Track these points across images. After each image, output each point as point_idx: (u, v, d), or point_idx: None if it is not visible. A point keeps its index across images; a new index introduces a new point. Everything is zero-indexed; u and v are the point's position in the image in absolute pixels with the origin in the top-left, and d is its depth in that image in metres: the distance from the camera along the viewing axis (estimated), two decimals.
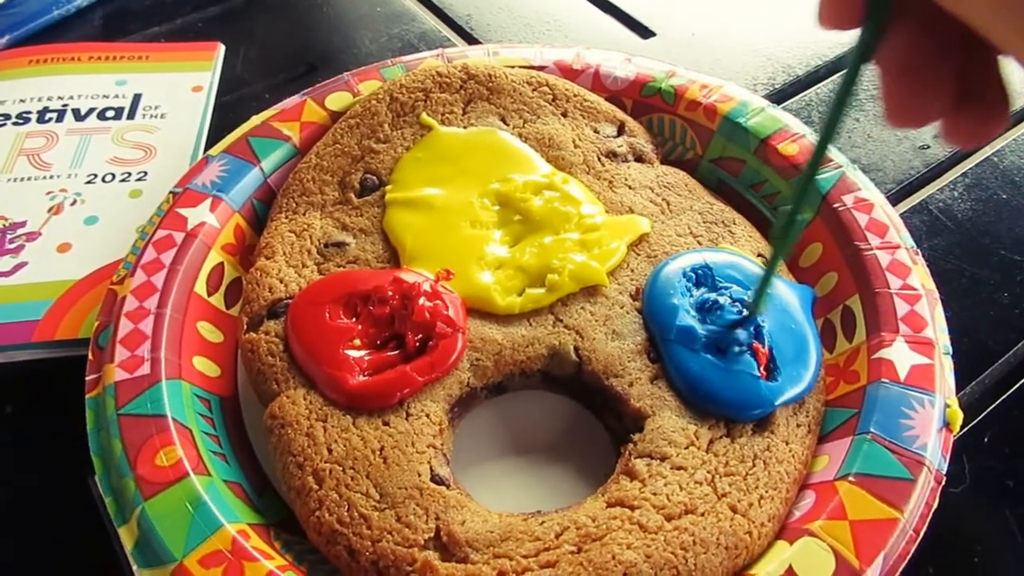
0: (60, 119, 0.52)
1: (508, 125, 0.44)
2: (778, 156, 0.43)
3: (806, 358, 0.35)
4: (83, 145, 0.51)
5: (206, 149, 0.46)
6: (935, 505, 0.31)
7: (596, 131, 0.44)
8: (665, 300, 0.36)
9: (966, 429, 0.38)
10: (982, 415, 0.39)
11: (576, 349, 0.36)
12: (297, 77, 0.58)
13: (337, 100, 0.46)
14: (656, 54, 0.56)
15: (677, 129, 0.46)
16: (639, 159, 0.44)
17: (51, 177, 0.49)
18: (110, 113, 0.53)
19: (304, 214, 0.41)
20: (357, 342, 0.35)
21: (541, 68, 0.48)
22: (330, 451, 0.33)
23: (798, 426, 0.34)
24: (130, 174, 0.49)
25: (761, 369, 0.34)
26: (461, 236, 0.39)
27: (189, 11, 0.64)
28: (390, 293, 0.36)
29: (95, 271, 0.43)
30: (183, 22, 0.63)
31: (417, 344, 0.35)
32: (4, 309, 0.42)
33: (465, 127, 0.44)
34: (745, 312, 0.35)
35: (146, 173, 0.49)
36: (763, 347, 0.34)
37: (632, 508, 0.31)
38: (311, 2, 0.65)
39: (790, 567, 0.29)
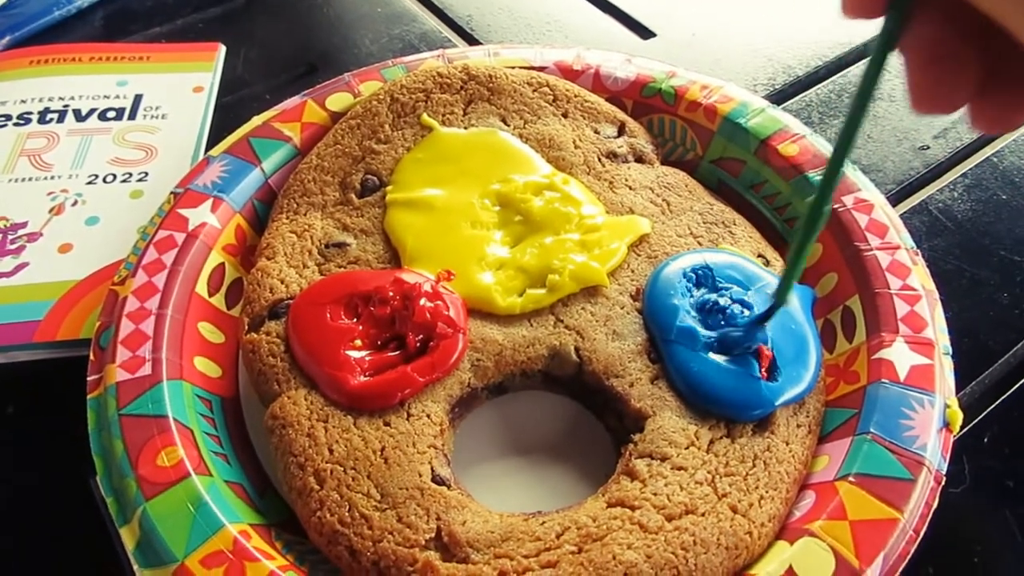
0: (61, 120, 0.53)
1: (509, 126, 0.44)
2: (778, 157, 0.43)
3: (806, 358, 0.35)
4: (84, 146, 0.51)
5: (207, 150, 0.47)
6: (935, 505, 0.31)
7: (596, 132, 0.45)
8: (665, 300, 0.36)
9: (966, 429, 0.38)
10: (982, 415, 0.39)
11: (577, 349, 0.36)
12: (298, 78, 0.58)
13: (338, 101, 0.47)
14: (656, 55, 0.56)
15: (677, 130, 0.46)
16: (639, 160, 0.44)
17: (52, 178, 0.49)
18: (111, 114, 0.53)
19: (305, 215, 0.42)
20: (358, 343, 0.35)
21: (541, 69, 0.48)
22: (331, 451, 0.33)
23: (798, 426, 0.34)
24: (131, 175, 0.49)
25: (762, 370, 0.34)
26: (462, 237, 0.39)
27: (190, 12, 0.64)
28: (391, 294, 0.36)
29: (96, 272, 0.43)
30: (184, 23, 0.63)
31: (418, 344, 0.35)
32: (5, 309, 0.42)
33: (466, 128, 0.44)
34: (762, 308, 0.35)
35: (147, 174, 0.49)
36: (767, 348, 0.34)
37: (633, 508, 0.31)
38: (312, 3, 0.65)
39: (790, 567, 0.29)
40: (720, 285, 0.37)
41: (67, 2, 0.63)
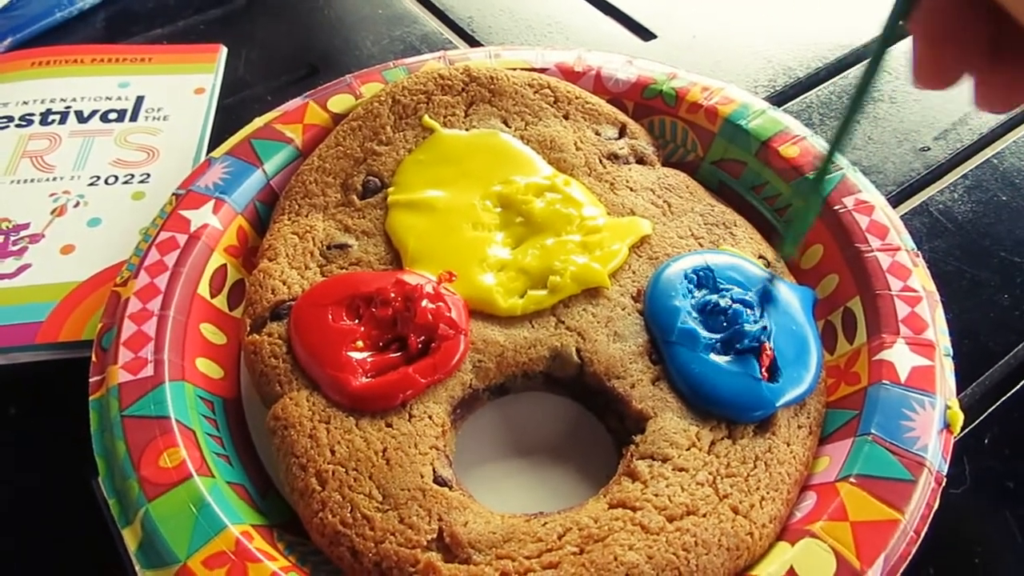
0: (63, 121, 0.53)
1: (510, 127, 0.44)
2: (779, 158, 0.43)
3: (807, 360, 0.35)
4: (86, 147, 0.51)
5: (208, 151, 0.47)
6: (936, 506, 0.31)
7: (597, 133, 0.45)
8: (666, 302, 0.36)
9: (966, 430, 0.38)
10: (982, 416, 0.39)
11: (578, 351, 0.36)
12: (299, 79, 0.58)
13: (339, 102, 0.47)
14: (657, 56, 0.56)
15: (678, 131, 0.46)
16: (640, 161, 0.44)
17: (54, 179, 0.49)
18: (113, 115, 0.53)
19: (307, 216, 0.42)
20: (360, 344, 0.35)
21: (543, 70, 0.48)
22: (333, 452, 0.33)
23: (799, 427, 0.34)
24: (133, 176, 0.49)
25: (763, 370, 0.34)
26: (463, 238, 0.39)
27: (191, 13, 0.64)
28: (392, 295, 0.36)
29: (98, 273, 0.43)
30: (185, 24, 0.64)
31: (419, 346, 0.35)
32: (8, 311, 0.42)
33: (467, 129, 0.44)
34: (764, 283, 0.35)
35: (149, 175, 0.49)
36: (769, 347, 0.35)
37: (634, 509, 0.31)
38: (313, 4, 0.65)
39: (791, 568, 0.29)
40: (721, 286, 0.37)
41: (69, 4, 0.63)
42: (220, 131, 0.51)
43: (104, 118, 0.53)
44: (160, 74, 0.56)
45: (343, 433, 0.33)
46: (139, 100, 0.54)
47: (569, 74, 0.48)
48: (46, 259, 0.44)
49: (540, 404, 0.38)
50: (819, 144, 0.43)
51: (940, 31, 0.23)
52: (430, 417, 0.34)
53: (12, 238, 0.45)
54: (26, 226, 0.46)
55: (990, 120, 0.53)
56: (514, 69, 0.47)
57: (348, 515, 0.31)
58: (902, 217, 0.45)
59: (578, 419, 0.37)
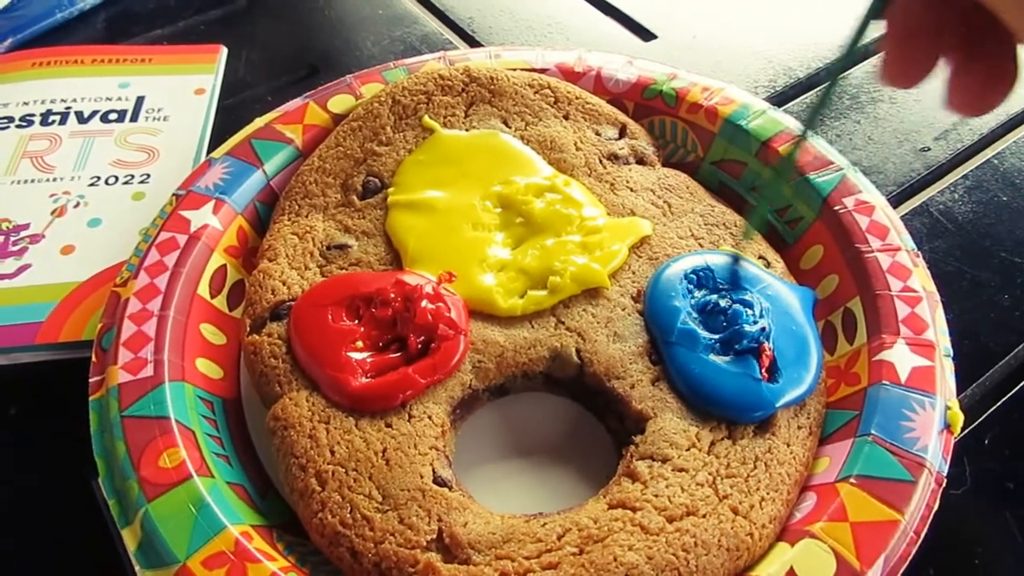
0: (63, 122, 0.53)
1: (510, 128, 0.44)
2: (779, 159, 0.43)
3: (807, 360, 0.35)
4: (86, 148, 0.51)
5: (209, 151, 0.47)
6: (936, 507, 0.31)
7: (598, 133, 0.45)
8: (666, 302, 0.36)
9: (967, 431, 0.38)
10: (983, 417, 0.39)
11: (578, 351, 0.36)
12: (299, 80, 0.59)
13: (339, 103, 0.47)
14: (657, 56, 0.56)
15: (678, 131, 0.46)
16: (640, 161, 0.44)
17: (54, 179, 0.49)
18: (113, 116, 0.53)
19: (307, 216, 0.42)
20: (359, 344, 0.35)
21: (543, 71, 0.48)
22: (332, 453, 0.33)
23: (799, 428, 0.34)
24: (133, 176, 0.49)
25: (763, 371, 0.34)
26: (463, 238, 0.39)
27: (191, 14, 0.65)
28: (392, 295, 0.36)
29: (98, 273, 0.43)
30: (185, 25, 0.64)
31: (419, 346, 0.35)
32: (8, 311, 0.42)
33: (467, 130, 0.44)
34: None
35: (149, 175, 0.49)
36: (768, 347, 0.35)
37: (634, 510, 0.31)
38: (313, 5, 0.65)
39: (791, 569, 0.29)
40: (721, 287, 0.37)
41: (69, 4, 0.63)
42: (220, 131, 0.51)
43: (104, 118, 0.53)
44: (160, 75, 0.56)
45: (343, 433, 0.33)
46: (139, 100, 0.54)
47: (569, 74, 0.48)
48: (46, 259, 0.44)
49: (540, 404, 0.38)
50: (819, 144, 0.43)
51: (914, 21, 0.23)
52: (430, 417, 0.34)
53: (12, 238, 0.45)
54: (26, 226, 0.46)
55: (990, 120, 0.53)
56: (514, 69, 0.47)
57: (348, 515, 0.31)
58: (902, 217, 0.45)
59: (578, 419, 0.37)
